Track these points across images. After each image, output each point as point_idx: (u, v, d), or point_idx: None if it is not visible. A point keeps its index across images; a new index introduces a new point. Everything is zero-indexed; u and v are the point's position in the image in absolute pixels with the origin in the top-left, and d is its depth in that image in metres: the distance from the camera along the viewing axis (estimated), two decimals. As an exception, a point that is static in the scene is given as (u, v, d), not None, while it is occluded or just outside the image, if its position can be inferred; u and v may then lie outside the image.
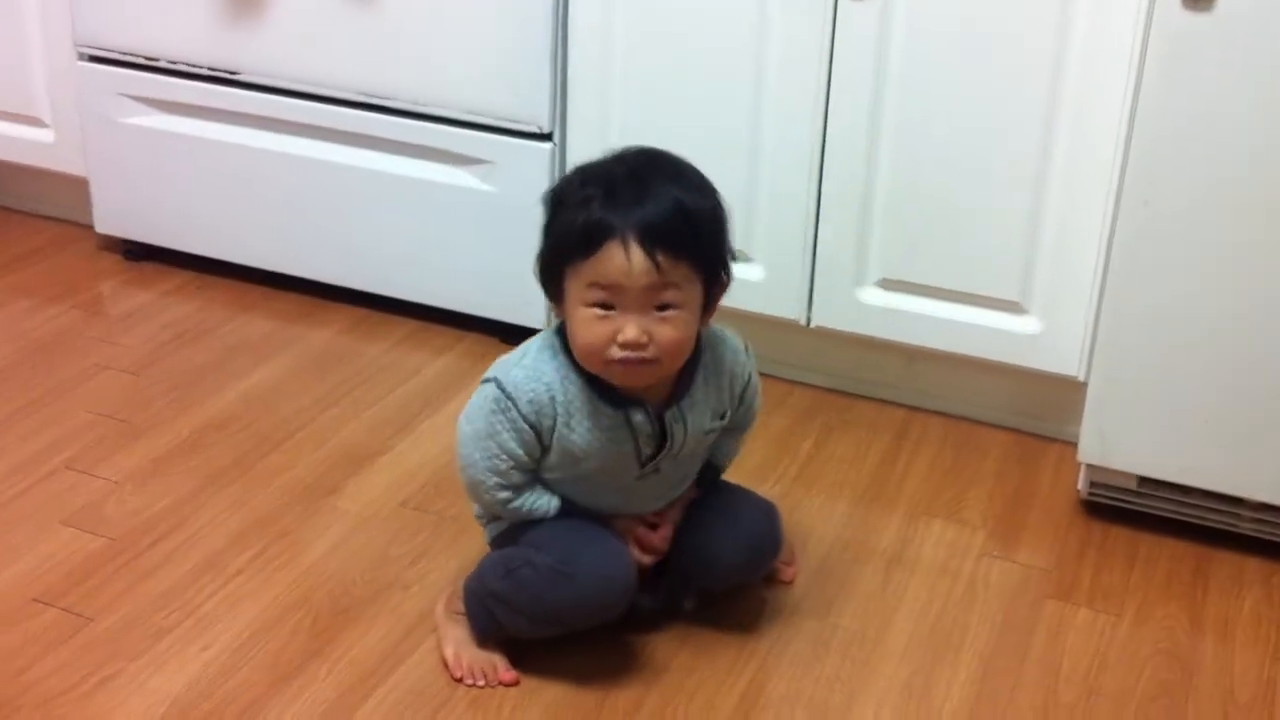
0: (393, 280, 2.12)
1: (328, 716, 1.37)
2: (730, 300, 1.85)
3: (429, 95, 1.99)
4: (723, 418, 1.44)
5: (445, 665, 1.42)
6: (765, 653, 1.47)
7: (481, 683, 1.41)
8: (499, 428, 1.37)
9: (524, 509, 1.41)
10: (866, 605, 1.55)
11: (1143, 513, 1.70)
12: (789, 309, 1.91)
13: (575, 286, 1.32)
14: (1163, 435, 1.63)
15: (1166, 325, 1.58)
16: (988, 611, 1.55)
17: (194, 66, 2.10)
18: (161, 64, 2.12)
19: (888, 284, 1.86)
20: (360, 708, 1.38)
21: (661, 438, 1.39)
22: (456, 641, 1.43)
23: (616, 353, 1.31)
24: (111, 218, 2.26)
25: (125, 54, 2.14)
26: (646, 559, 1.45)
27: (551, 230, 1.36)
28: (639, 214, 1.29)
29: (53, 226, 2.38)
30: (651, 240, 1.29)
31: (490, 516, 1.48)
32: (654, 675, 1.44)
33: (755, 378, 1.49)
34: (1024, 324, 1.81)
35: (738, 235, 1.87)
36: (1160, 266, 1.56)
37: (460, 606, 1.44)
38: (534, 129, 1.95)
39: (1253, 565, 1.65)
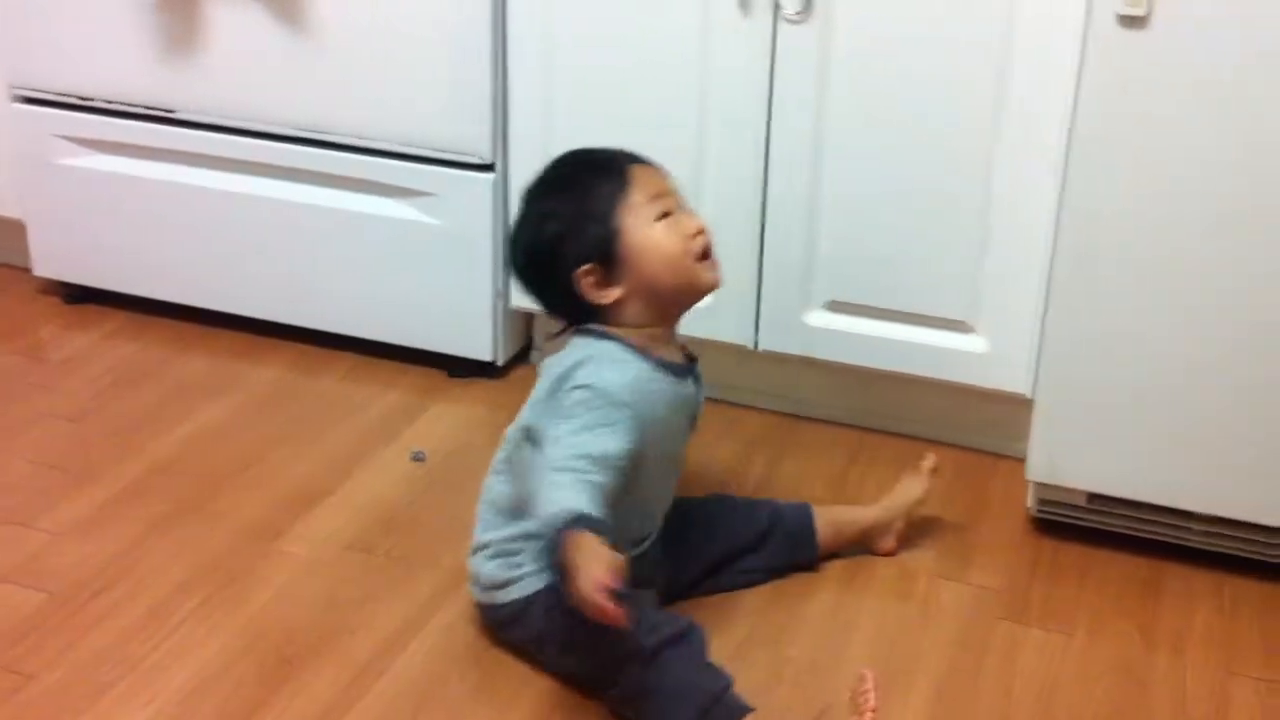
0: (337, 316, 2.10)
1: (275, 769, 1.35)
2: (679, 326, 1.85)
3: (369, 128, 1.97)
4: None
5: None
6: (718, 685, 1.45)
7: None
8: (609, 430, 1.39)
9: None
10: (818, 633, 1.55)
11: (1093, 529, 1.70)
12: (736, 334, 1.90)
13: (636, 216, 1.45)
14: (1111, 451, 1.63)
15: (1111, 341, 1.59)
16: (940, 635, 1.55)
17: (130, 105, 2.08)
18: (96, 104, 2.10)
19: (835, 306, 1.85)
20: (308, 758, 1.36)
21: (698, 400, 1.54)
22: None
23: (697, 245, 1.47)
24: (49, 260, 2.23)
25: (59, 95, 2.11)
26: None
27: (574, 221, 1.45)
28: (620, 152, 1.51)
29: (-10, 271, 2.35)
30: (643, 161, 1.50)
31: (510, 577, 1.45)
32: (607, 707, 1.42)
33: None
34: (971, 343, 1.81)
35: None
36: (1103, 283, 1.57)
37: None
38: (475, 160, 1.93)
39: (1203, 578, 1.65)
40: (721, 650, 1.49)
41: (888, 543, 1.67)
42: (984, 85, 1.68)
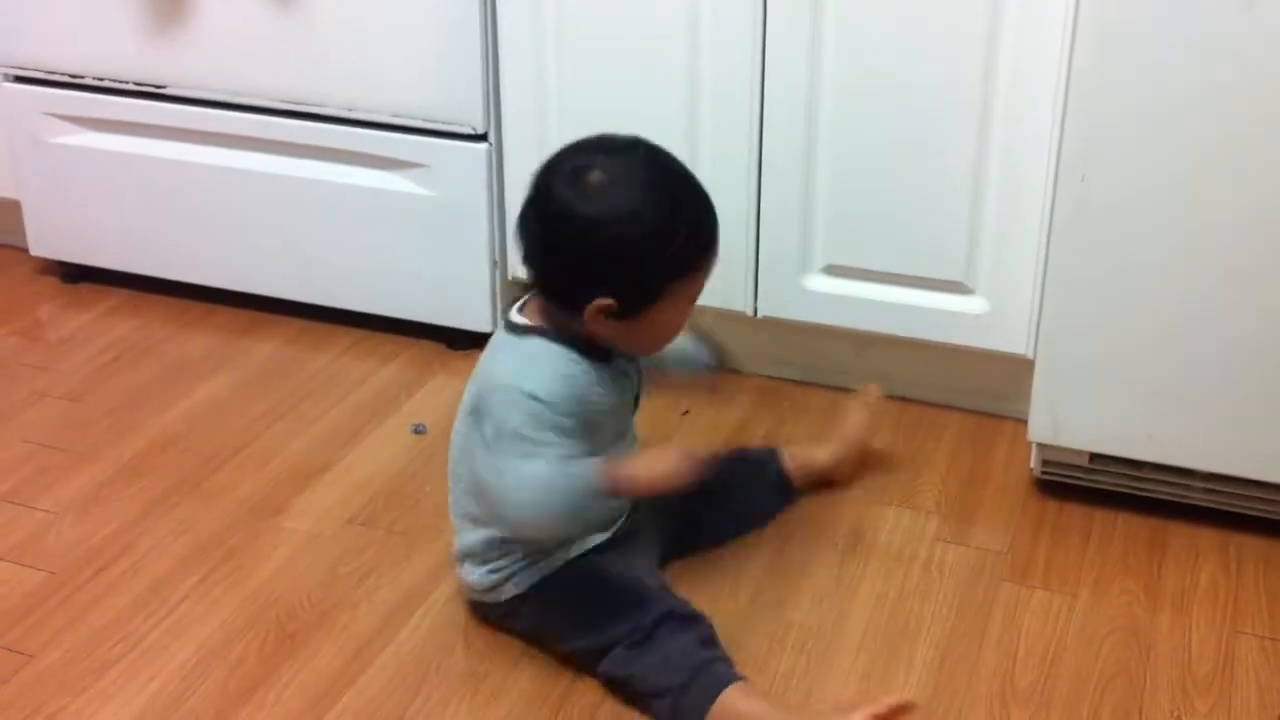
0: (335, 290, 2.09)
1: (278, 744, 1.35)
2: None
3: (360, 100, 1.96)
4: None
5: None
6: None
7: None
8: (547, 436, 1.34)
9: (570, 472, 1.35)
10: (821, 598, 1.54)
11: (1097, 489, 1.69)
12: (735, 300, 1.89)
13: (683, 292, 1.38)
14: (1112, 411, 1.62)
15: (1111, 301, 1.57)
16: (943, 598, 1.54)
17: (120, 82, 2.07)
18: (87, 81, 2.08)
19: (833, 270, 1.84)
20: (310, 733, 1.36)
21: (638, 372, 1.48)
22: None
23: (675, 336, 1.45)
24: (46, 240, 2.23)
25: (50, 72, 2.10)
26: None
27: (638, 254, 1.33)
28: (715, 220, 1.41)
29: (-14, 252, 2.35)
30: (717, 248, 1.42)
31: (501, 579, 1.45)
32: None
33: None
34: (970, 304, 1.79)
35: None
36: (1101, 241, 1.55)
37: None
38: (468, 130, 1.92)
39: (1207, 535, 1.64)
40: (725, 617, 1.49)
41: (841, 474, 1.72)
42: (976, 43, 1.66)
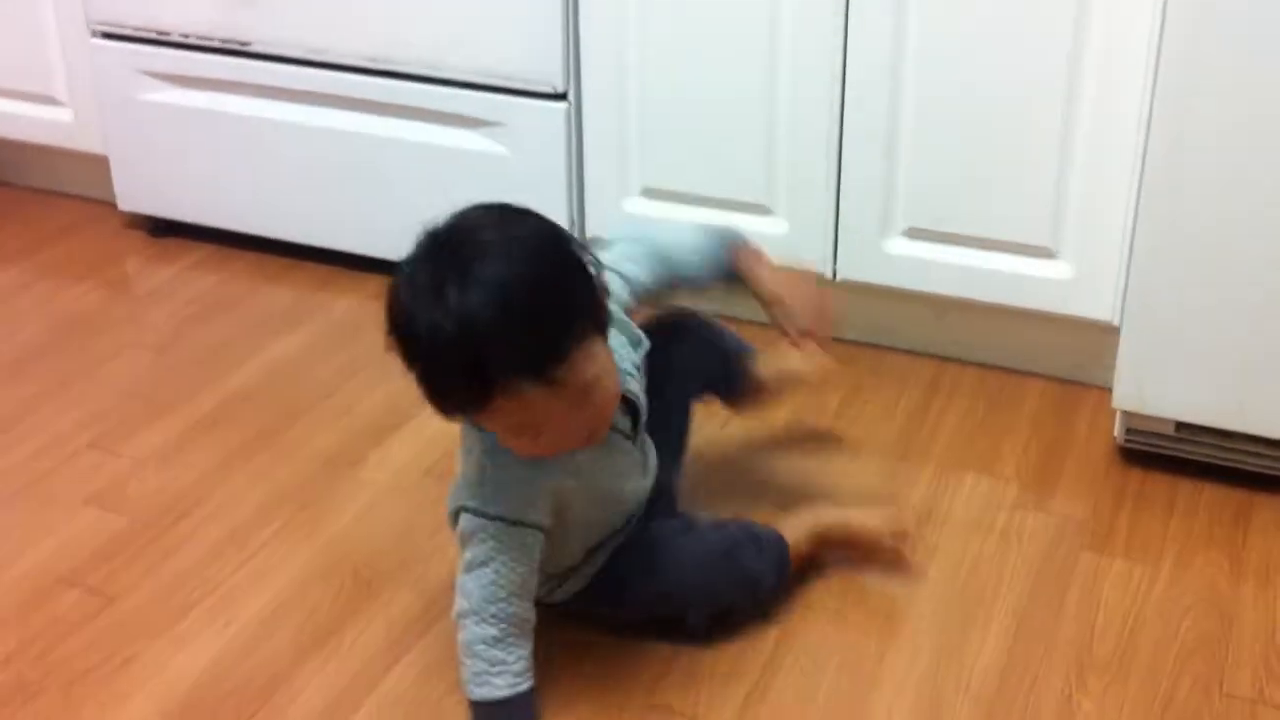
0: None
1: (350, 689, 1.36)
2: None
3: (439, 58, 1.96)
4: (637, 344, 1.36)
5: None
6: (794, 613, 1.44)
7: None
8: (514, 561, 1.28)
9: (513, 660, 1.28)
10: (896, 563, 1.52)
11: (1182, 458, 1.65)
12: (814, 263, 1.87)
13: (486, 422, 1.22)
14: (1200, 379, 1.58)
15: (1200, 266, 1.53)
16: (1021, 566, 1.52)
17: (206, 39, 2.09)
18: (174, 38, 2.11)
19: (914, 233, 1.81)
20: (383, 680, 1.37)
21: (633, 410, 1.34)
22: None
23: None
24: (133, 195, 2.26)
25: (138, 30, 2.13)
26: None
27: (427, 383, 1.20)
28: (508, 348, 1.13)
29: (76, 205, 2.38)
30: (539, 369, 1.14)
31: (558, 583, 1.40)
32: (679, 645, 1.41)
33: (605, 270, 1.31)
34: (1055, 269, 1.76)
35: (759, 187, 1.86)
36: (1192, 205, 1.51)
37: None
38: (548, 89, 1.91)
39: (1295, 509, 1.60)
40: (799, 579, 1.48)
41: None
42: (1067, 6, 1.62)
